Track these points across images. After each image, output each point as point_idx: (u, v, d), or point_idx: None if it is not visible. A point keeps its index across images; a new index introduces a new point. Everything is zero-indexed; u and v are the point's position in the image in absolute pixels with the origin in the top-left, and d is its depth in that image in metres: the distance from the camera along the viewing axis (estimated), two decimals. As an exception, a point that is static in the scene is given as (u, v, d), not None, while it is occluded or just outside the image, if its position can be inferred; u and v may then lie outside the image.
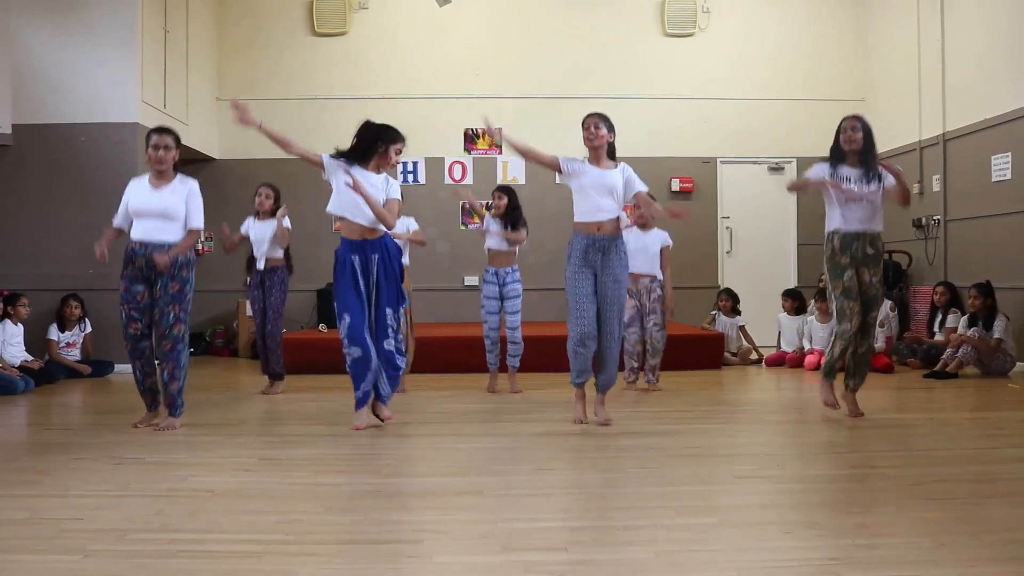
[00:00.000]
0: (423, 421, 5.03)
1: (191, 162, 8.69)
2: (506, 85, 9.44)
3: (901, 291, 8.58)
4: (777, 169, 9.62)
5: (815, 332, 7.70)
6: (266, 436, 4.64)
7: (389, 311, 4.61)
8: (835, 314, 4.86)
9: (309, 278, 8.86)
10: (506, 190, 6.19)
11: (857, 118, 4.89)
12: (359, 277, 4.55)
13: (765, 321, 8.55)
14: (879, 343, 7.23)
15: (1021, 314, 7.17)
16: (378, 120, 4.74)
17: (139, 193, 4.64)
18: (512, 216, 6.10)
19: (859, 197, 4.74)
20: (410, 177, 9.51)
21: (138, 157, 7.23)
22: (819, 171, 4.87)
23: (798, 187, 5.26)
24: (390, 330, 4.62)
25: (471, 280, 9.41)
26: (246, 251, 6.29)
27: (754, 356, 8.19)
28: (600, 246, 4.61)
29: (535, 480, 3.53)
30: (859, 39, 9.79)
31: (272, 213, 6.15)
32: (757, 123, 9.66)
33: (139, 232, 4.58)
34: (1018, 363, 7.04)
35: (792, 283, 9.39)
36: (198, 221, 4.66)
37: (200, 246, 9.12)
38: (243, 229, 6.22)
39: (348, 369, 4.58)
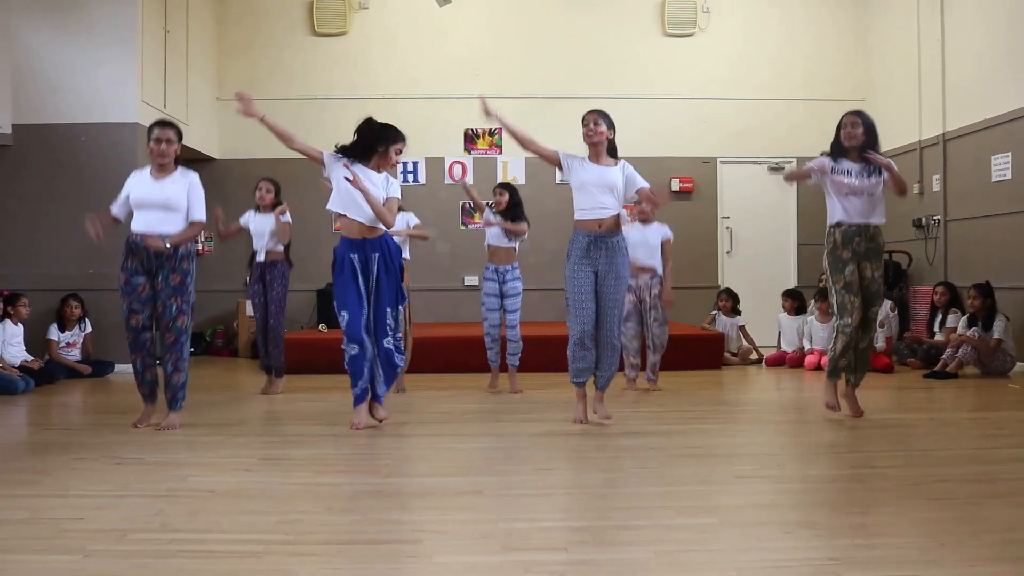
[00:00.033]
0: (423, 421, 5.04)
1: (191, 162, 8.69)
2: (506, 85, 9.43)
3: (901, 291, 8.58)
4: (777, 169, 9.61)
5: (815, 332, 7.70)
6: (266, 436, 4.64)
7: (388, 310, 4.61)
8: (836, 308, 4.83)
9: (309, 278, 8.86)
10: (507, 187, 6.19)
11: (858, 114, 4.87)
12: (358, 275, 4.55)
13: (765, 321, 8.55)
14: (879, 343, 7.23)
15: (1021, 314, 7.17)
16: (379, 119, 4.72)
17: (141, 184, 4.65)
18: (513, 213, 6.10)
19: (858, 190, 4.73)
20: (410, 177, 9.52)
21: (138, 157, 7.24)
22: (821, 163, 4.86)
23: (797, 176, 5.17)
24: (389, 328, 4.62)
25: (471, 280, 9.41)
26: (247, 250, 6.30)
27: (754, 356, 8.19)
28: (602, 243, 4.61)
29: (535, 480, 3.53)
30: (859, 39, 9.79)
31: (272, 207, 6.16)
32: (757, 123, 9.66)
33: (141, 224, 4.59)
34: (1018, 363, 7.04)
35: (792, 283, 9.39)
36: (200, 213, 4.68)
37: (200, 246, 9.12)
38: (242, 221, 6.23)
39: (346, 366, 4.58)
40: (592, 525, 2.90)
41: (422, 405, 5.61)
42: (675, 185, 9.57)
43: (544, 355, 7.05)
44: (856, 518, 2.89)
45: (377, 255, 4.57)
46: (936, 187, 8.46)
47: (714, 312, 8.36)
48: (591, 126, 4.69)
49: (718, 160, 9.71)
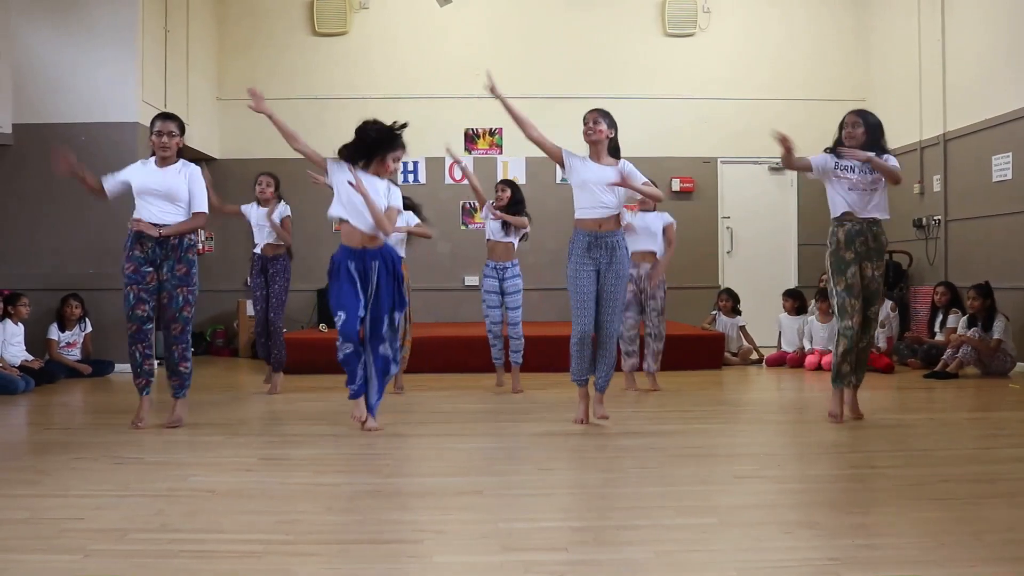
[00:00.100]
0: (423, 421, 5.04)
1: (192, 162, 8.68)
2: (506, 85, 9.27)
3: (902, 291, 8.58)
4: (777, 169, 9.61)
5: (815, 332, 7.70)
6: (266, 436, 4.64)
7: (386, 315, 4.57)
8: (836, 310, 4.82)
9: (309, 278, 8.86)
10: (509, 184, 6.19)
11: (859, 113, 4.85)
12: (355, 280, 4.52)
13: (765, 321, 8.54)
14: (880, 343, 7.23)
15: (1021, 314, 7.17)
16: (379, 119, 4.68)
17: (144, 173, 4.67)
18: (514, 210, 6.09)
19: (859, 186, 4.69)
20: (410, 177, 9.52)
21: (138, 157, 7.19)
22: (822, 159, 4.83)
23: (797, 165, 4.79)
24: (386, 336, 4.58)
25: (471, 280, 9.40)
26: (247, 250, 6.31)
27: (754, 356, 8.19)
28: (602, 243, 4.61)
29: (535, 480, 3.53)
30: (859, 39, 9.79)
31: (273, 201, 6.19)
32: (757, 123, 9.62)
33: (144, 215, 4.61)
34: (1018, 363, 7.03)
35: (792, 283, 9.39)
36: (202, 205, 4.70)
37: (201, 246, 9.12)
38: (244, 208, 6.28)
39: (340, 362, 4.54)
40: (592, 525, 2.90)
41: (422, 405, 5.61)
42: (675, 185, 9.57)
43: (545, 355, 7.05)
44: (856, 518, 2.89)
45: (377, 263, 4.54)
46: (937, 187, 8.46)
47: (714, 312, 8.36)
48: (591, 124, 4.69)
49: (718, 160, 9.71)
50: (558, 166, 4.86)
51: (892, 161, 4.75)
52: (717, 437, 4.57)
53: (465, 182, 6.46)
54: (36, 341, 7.08)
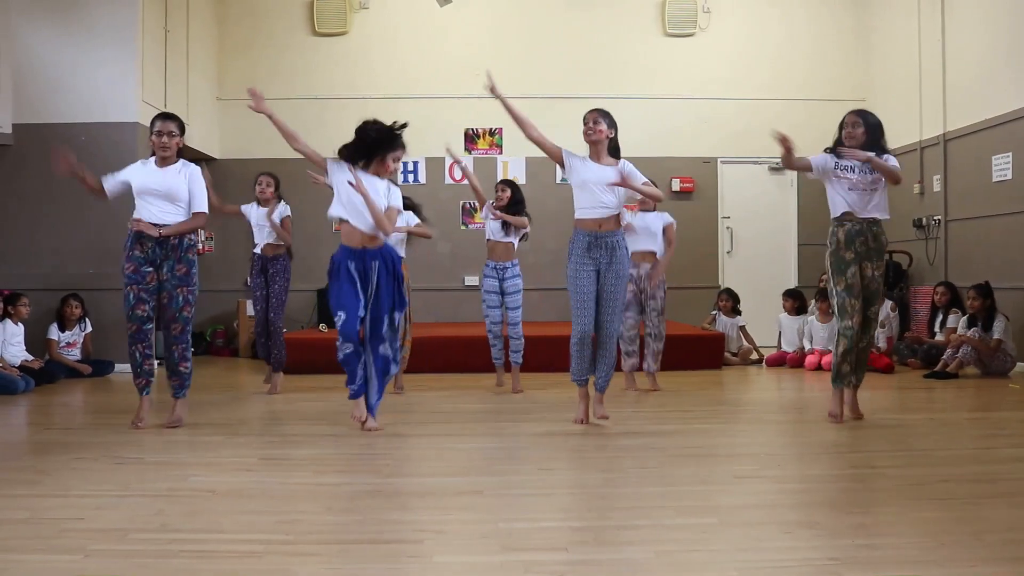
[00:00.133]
0: (423, 421, 5.04)
1: (192, 162, 8.68)
2: (506, 85, 9.26)
3: (902, 291, 8.58)
4: (777, 169, 9.61)
5: (816, 332, 7.70)
6: (266, 436, 4.64)
7: (386, 315, 4.57)
8: (836, 310, 4.81)
9: (309, 278, 8.86)
10: (510, 184, 6.19)
11: (859, 113, 4.84)
12: (355, 280, 4.52)
13: (765, 321, 8.54)
14: (880, 343, 7.23)
15: (1021, 314, 7.17)
16: (379, 119, 4.68)
17: (144, 173, 4.67)
18: (514, 210, 6.09)
19: (860, 186, 4.70)
20: (410, 177, 9.52)
21: (138, 157, 7.19)
22: (823, 159, 4.83)
23: (796, 165, 4.81)
24: (386, 336, 4.58)
25: (471, 280, 9.40)
26: (247, 250, 6.32)
27: (754, 356, 8.19)
28: (602, 243, 4.61)
29: (535, 480, 3.53)
30: (859, 39, 9.79)
31: (273, 201, 6.19)
32: (757, 123, 9.62)
33: (144, 214, 4.61)
34: (1018, 363, 7.03)
35: (793, 283, 9.39)
36: (202, 205, 4.70)
37: (201, 246, 9.12)
38: (244, 208, 6.28)
39: (340, 362, 4.54)
40: (592, 525, 2.90)
41: (422, 405, 5.61)
42: (675, 185, 9.57)
43: (545, 355, 7.05)
44: (856, 518, 2.89)
45: (377, 263, 4.54)
46: (937, 187, 8.46)
47: (714, 312, 8.36)
48: (591, 124, 4.69)
49: (718, 160, 9.71)
50: (558, 166, 4.86)
51: (892, 161, 4.74)
52: (717, 437, 4.57)
53: (465, 182, 6.46)
54: (36, 341, 7.08)
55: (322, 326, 8.65)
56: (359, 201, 4.45)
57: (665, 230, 6.16)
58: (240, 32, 9.61)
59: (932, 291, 7.68)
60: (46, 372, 6.79)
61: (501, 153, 9.59)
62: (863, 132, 4.76)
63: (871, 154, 4.69)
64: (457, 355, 7.41)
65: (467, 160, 9.19)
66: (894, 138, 8.87)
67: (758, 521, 2.89)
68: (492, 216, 6.10)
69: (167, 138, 4.64)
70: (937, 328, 7.48)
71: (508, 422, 4.97)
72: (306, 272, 8.53)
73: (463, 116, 9.47)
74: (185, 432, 4.59)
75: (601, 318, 4.65)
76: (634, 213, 6.08)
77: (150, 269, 4.60)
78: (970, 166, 7.97)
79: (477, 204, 7.17)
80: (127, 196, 4.76)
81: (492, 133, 9.59)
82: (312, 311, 9.27)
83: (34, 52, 7.53)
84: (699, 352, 7.65)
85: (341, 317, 4.47)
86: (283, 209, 6.22)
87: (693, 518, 2.88)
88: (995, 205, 7.60)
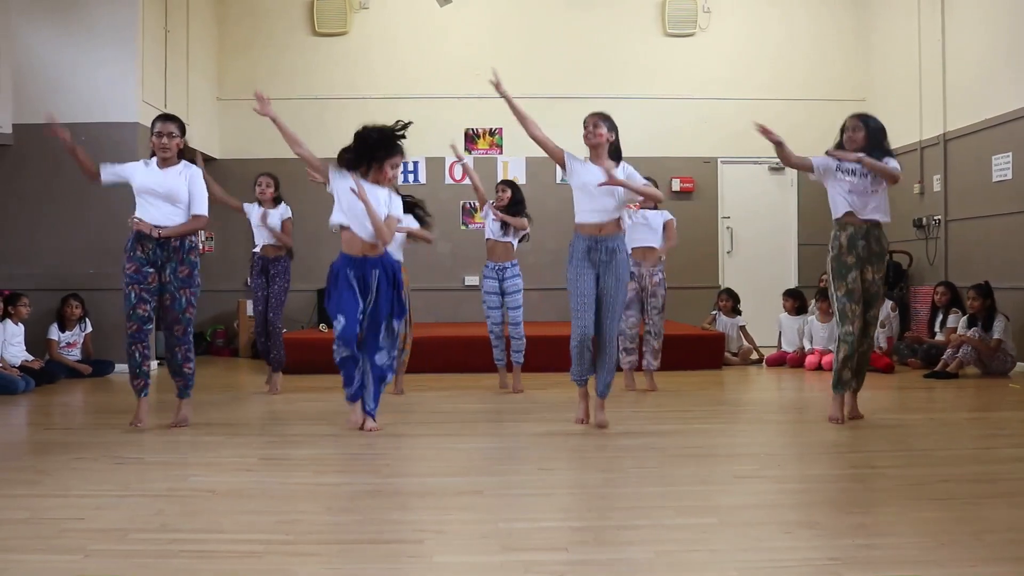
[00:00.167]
0: (423, 421, 5.04)
1: (192, 162, 8.69)
2: (506, 85, 9.39)
3: (902, 291, 8.58)
4: (777, 169, 9.61)
5: (816, 332, 7.70)
6: (266, 436, 4.64)
7: (384, 325, 4.57)
8: (837, 315, 4.81)
9: (309, 278, 8.85)
10: (510, 184, 6.20)
11: (860, 117, 4.82)
12: (354, 287, 4.52)
13: (766, 321, 8.54)
14: (881, 343, 7.23)
15: (1021, 314, 7.17)
16: (379, 119, 4.68)
17: (145, 174, 4.66)
18: (514, 211, 6.10)
19: (860, 189, 4.69)
20: (410, 177, 9.51)
21: (138, 157, 7.20)
22: (824, 160, 4.83)
23: (796, 164, 4.88)
24: (383, 344, 4.58)
25: (471, 280, 9.40)
26: (247, 250, 6.31)
27: (755, 356, 8.19)
28: (602, 247, 4.59)
29: (535, 480, 3.53)
30: (859, 39, 9.79)
31: (273, 202, 6.19)
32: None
33: (144, 215, 4.61)
34: (1018, 363, 7.04)
35: (793, 283, 9.39)
36: (201, 208, 4.69)
37: (201, 245, 9.12)
38: (246, 207, 6.27)
39: (338, 365, 4.55)
40: (592, 525, 2.90)
41: (422, 405, 5.61)
42: (675, 185, 9.57)
43: (545, 355, 7.04)
44: (856, 518, 2.89)
45: (377, 271, 4.55)
46: (937, 187, 8.46)
47: (714, 312, 8.35)
48: (591, 128, 4.66)
49: (718, 160, 9.71)
50: (558, 166, 4.85)
51: (892, 163, 4.73)
52: (717, 437, 4.57)
53: (466, 181, 6.46)
54: (36, 341, 7.08)
55: (322, 326, 8.65)
56: (360, 209, 4.46)
57: (665, 226, 6.20)
58: (240, 32, 9.61)
59: (932, 291, 7.68)
60: (46, 372, 6.79)
61: (501, 153, 9.59)
62: (864, 136, 4.74)
63: (861, 155, 4.68)
64: (457, 355, 7.40)
65: (468, 159, 9.19)
66: (894, 138, 8.82)
67: (758, 521, 2.89)
68: (493, 216, 6.10)
69: (167, 139, 4.64)
70: (937, 328, 7.48)
71: (508, 422, 4.97)
72: (306, 272, 8.53)
73: (463, 116, 9.47)
74: (185, 432, 4.59)
75: (601, 321, 4.63)
76: (635, 210, 6.10)
77: (151, 270, 4.60)
78: (970, 166, 7.97)
79: (478, 203, 7.17)
80: (127, 195, 4.76)
81: (492, 133, 9.59)
82: (312, 311, 9.27)
83: (34, 52, 7.53)
84: (699, 352, 7.65)
85: (341, 322, 4.46)
86: (283, 211, 6.22)
87: (693, 518, 2.88)
88: (995, 205, 7.60)
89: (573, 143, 4.86)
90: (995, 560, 2.45)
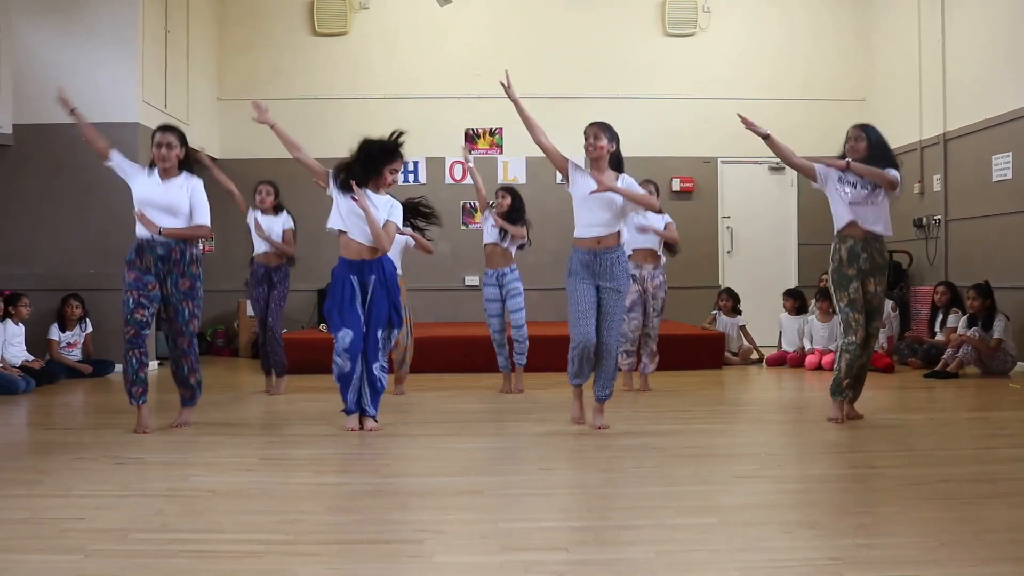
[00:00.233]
0: (423, 421, 5.04)
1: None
2: (507, 85, 9.41)
3: (902, 291, 8.58)
4: (778, 169, 9.61)
5: (816, 332, 7.70)
6: (267, 436, 4.64)
7: (380, 331, 4.59)
8: (842, 326, 4.79)
9: (309, 278, 8.86)
10: (510, 191, 6.20)
11: (862, 128, 4.82)
12: (357, 296, 4.54)
13: (766, 321, 8.54)
14: (880, 342, 7.22)
15: (1021, 314, 7.17)
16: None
17: (146, 183, 4.64)
18: (513, 217, 6.10)
19: (860, 200, 4.68)
20: (411, 177, 9.51)
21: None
22: (826, 169, 4.82)
23: (796, 163, 4.90)
24: (379, 352, 4.60)
25: (471, 280, 9.41)
26: (247, 250, 6.31)
27: (755, 356, 8.19)
28: (602, 260, 4.56)
29: (535, 480, 3.53)
30: (859, 39, 9.79)
31: (273, 209, 6.18)
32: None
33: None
34: (1018, 363, 7.04)
35: (793, 283, 9.39)
36: (203, 218, 4.67)
37: (202, 245, 9.12)
38: (249, 213, 6.24)
39: (336, 379, 4.58)
40: (592, 525, 2.90)
41: (422, 405, 5.61)
42: (675, 185, 9.57)
43: (545, 355, 7.03)
44: (856, 518, 2.89)
45: (374, 277, 4.57)
46: (937, 187, 8.46)
47: (715, 312, 8.36)
48: (591, 140, 4.60)
49: (719, 160, 9.71)
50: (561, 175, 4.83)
51: (892, 173, 4.71)
52: (717, 437, 4.57)
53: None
54: (37, 341, 7.08)
55: (322, 326, 8.64)
56: (359, 214, 4.47)
57: (665, 227, 6.20)
58: (240, 32, 9.61)
59: (932, 291, 7.68)
60: (47, 372, 6.79)
61: (501, 153, 9.59)
62: (865, 147, 4.74)
63: (846, 160, 4.68)
64: (457, 355, 7.41)
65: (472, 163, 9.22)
66: (894, 138, 8.83)
67: (758, 521, 2.89)
68: (492, 222, 6.11)
69: (166, 150, 4.61)
70: (937, 328, 7.49)
71: (508, 422, 4.97)
72: (306, 272, 8.52)
73: (463, 116, 9.47)
74: (185, 432, 4.60)
75: (601, 333, 4.59)
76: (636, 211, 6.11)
77: (152, 279, 4.59)
78: (970, 166, 7.97)
79: (478, 204, 7.18)
80: (127, 195, 4.74)
81: (492, 133, 9.59)
82: (312, 311, 9.27)
83: (34, 52, 7.53)
84: (699, 352, 7.65)
85: (349, 335, 4.47)
86: (285, 220, 6.20)
87: (693, 518, 2.89)
88: (995, 205, 7.60)
89: (573, 143, 4.85)
90: (995, 560, 2.46)
